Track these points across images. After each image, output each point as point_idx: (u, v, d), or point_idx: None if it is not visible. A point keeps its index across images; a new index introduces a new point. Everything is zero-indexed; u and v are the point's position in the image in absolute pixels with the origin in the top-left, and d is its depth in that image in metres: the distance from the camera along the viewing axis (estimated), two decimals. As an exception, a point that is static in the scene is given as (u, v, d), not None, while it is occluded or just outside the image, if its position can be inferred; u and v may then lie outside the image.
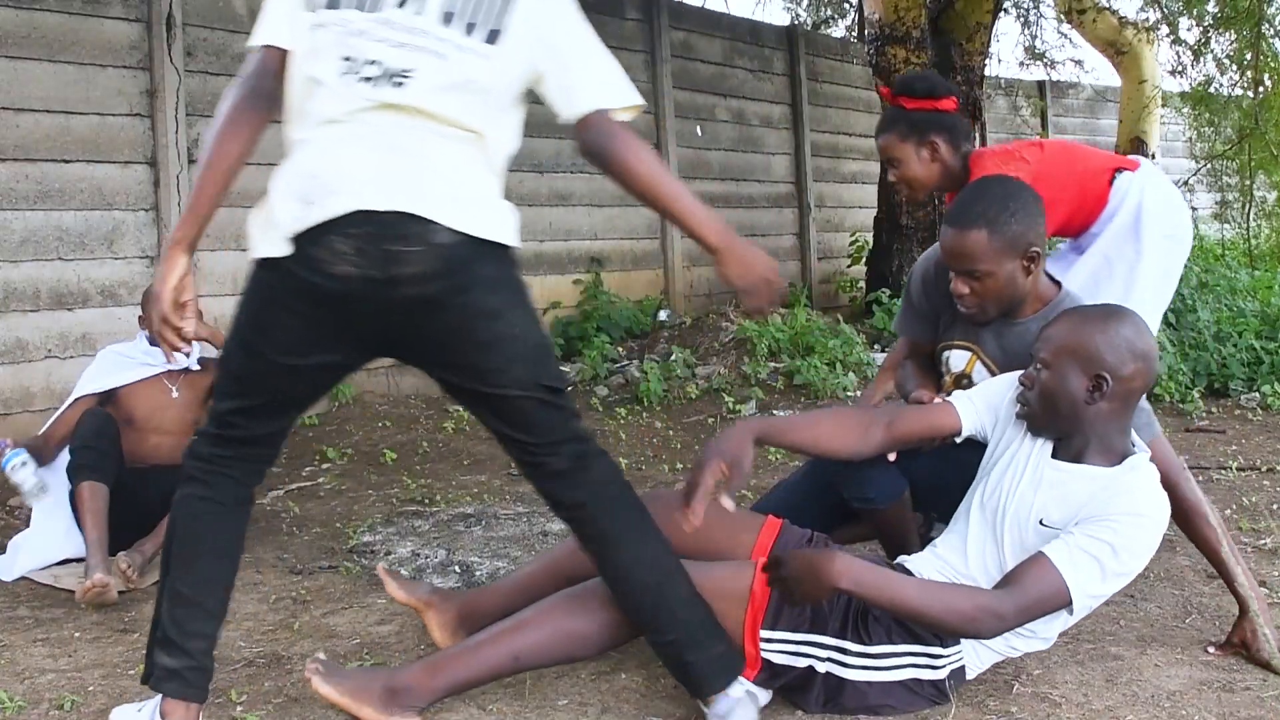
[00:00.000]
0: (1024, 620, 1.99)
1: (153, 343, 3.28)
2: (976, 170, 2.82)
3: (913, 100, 2.67)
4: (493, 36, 1.86)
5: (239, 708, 2.19)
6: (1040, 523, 2.09)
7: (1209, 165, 9.30)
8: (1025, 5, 10.62)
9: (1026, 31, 10.85)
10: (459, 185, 1.84)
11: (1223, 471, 4.05)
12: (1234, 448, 4.45)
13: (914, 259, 7.70)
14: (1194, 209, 9.70)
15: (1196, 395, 5.24)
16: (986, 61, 8.15)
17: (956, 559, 2.19)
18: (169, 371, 3.42)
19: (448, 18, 1.84)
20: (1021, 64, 10.99)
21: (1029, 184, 2.62)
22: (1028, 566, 2.00)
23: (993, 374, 2.45)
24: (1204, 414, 5.07)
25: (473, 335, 1.85)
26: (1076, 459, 2.12)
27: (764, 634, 2.05)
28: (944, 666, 2.11)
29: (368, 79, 1.82)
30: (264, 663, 2.43)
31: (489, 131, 1.88)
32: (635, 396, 5.65)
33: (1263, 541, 3.19)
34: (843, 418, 2.32)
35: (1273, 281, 7.06)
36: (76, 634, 2.65)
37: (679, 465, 4.28)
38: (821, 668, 2.07)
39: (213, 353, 3.33)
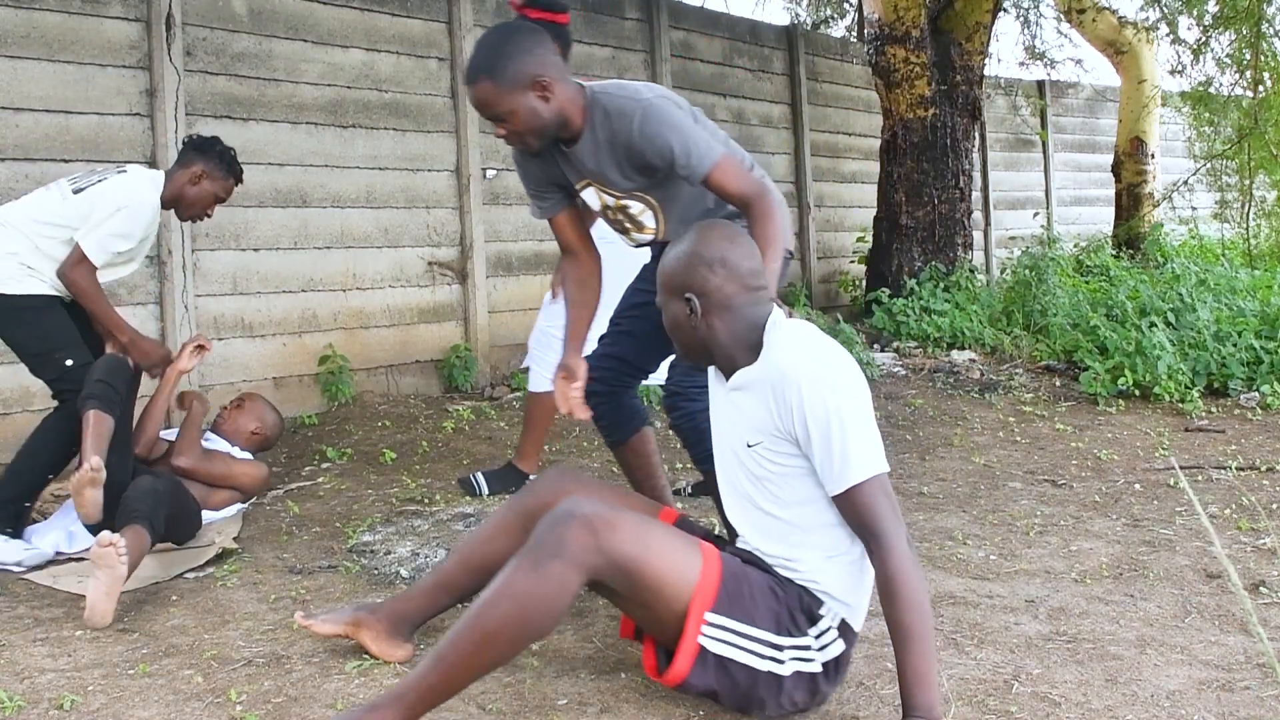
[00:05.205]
0: (898, 518, 1.97)
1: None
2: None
3: (535, 10, 3.13)
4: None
5: (238, 707, 2.19)
6: (748, 446, 2.10)
7: (1209, 165, 9.32)
8: (1025, 5, 10.61)
9: (1026, 31, 10.84)
10: None
11: (1222, 471, 4.05)
12: (1233, 447, 4.46)
13: (914, 258, 7.73)
14: (1193, 209, 9.76)
15: (1196, 395, 5.24)
16: (986, 61, 8.15)
17: (744, 538, 2.18)
18: None
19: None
20: (1021, 64, 10.99)
21: None
22: (853, 507, 1.97)
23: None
24: (1203, 413, 5.07)
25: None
26: (733, 372, 2.14)
27: (709, 616, 1.97)
28: (834, 633, 2.07)
29: None
30: (263, 662, 2.43)
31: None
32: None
33: (1262, 541, 3.19)
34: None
35: (1272, 281, 7.07)
36: (76, 634, 2.65)
37: (678, 464, 4.27)
38: (763, 666, 2.00)
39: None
